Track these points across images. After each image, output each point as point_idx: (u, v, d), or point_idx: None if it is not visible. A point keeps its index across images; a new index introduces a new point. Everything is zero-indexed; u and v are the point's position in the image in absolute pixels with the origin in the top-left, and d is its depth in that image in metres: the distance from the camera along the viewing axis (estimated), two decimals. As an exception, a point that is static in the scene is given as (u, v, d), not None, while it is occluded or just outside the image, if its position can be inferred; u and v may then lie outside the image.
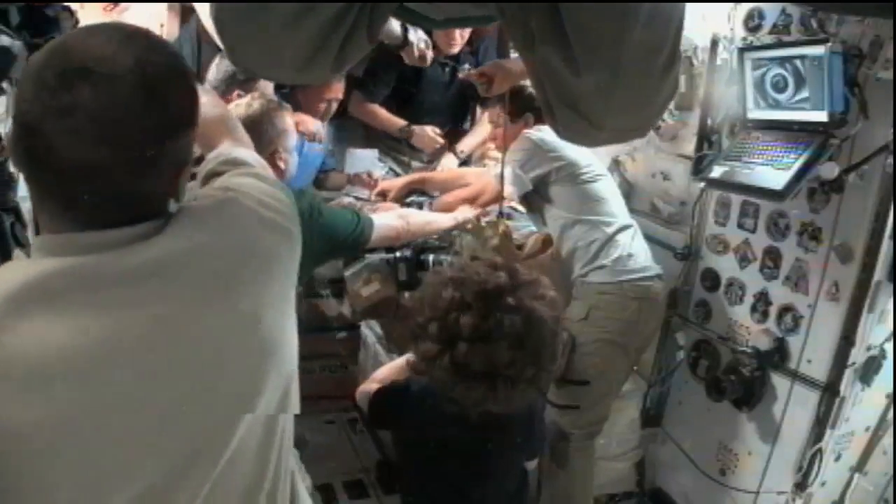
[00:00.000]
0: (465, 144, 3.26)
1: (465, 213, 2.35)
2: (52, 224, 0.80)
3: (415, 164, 3.26)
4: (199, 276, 0.83)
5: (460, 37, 2.99)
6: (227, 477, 0.85)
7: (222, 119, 1.30)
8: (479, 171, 3.02)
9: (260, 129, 1.87)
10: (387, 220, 2.05)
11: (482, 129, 3.30)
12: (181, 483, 0.82)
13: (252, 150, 1.22)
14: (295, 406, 0.97)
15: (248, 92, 2.36)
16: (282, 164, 1.93)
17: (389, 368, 1.83)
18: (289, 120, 1.98)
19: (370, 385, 1.75)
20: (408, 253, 2.47)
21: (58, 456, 0.74)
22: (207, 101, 1.16)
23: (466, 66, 3.18)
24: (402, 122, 3.14)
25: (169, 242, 0.82)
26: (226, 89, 2.36)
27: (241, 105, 1.93)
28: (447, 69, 3.14)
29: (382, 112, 3.16)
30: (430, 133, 3.11)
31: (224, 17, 1.19)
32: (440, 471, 1.61)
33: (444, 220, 2.32)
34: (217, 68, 2.36)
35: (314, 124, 2.68)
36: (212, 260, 0.85)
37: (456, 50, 3.06)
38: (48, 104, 0.74)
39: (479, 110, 3.37)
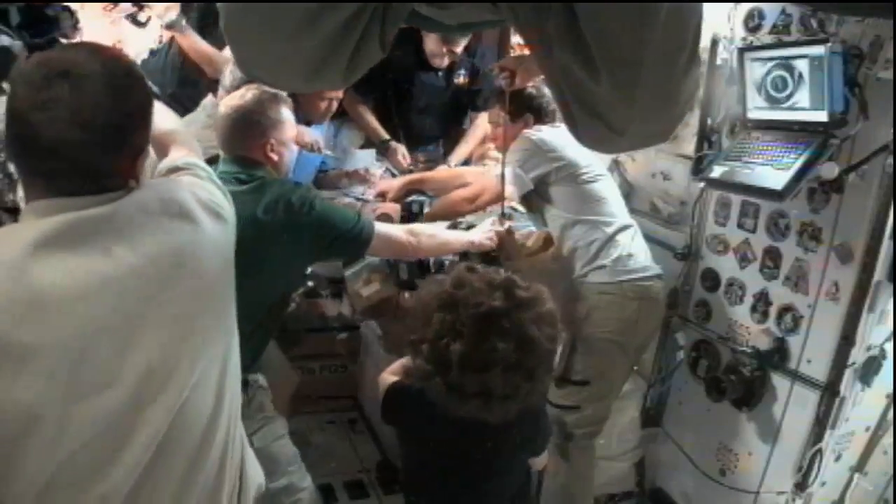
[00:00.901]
0: (456, 156, 3.27)
1: (483, 233, 2.24)
2: (39, 195, 1.00)
3: (415, 166, 3.27)
4: (151, 226, 1.05)
5: (449, 53, 3.02)
6: (186, 408, 1.05)
7: (174, 131, 1.42)
8: (477, 170, 3.02)
9: (252, 120, 1.86)
10: (395, 231, 2.00)
11: (473, 136, 3.32)
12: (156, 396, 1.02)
13: (198, 157, 1.37)
14: (236, 371, 1.19)
15: None
16: (274, 157, 1.90)
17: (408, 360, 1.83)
18: (285, 111, 1.93)
19: (388, 377, 1.73)
20: (408, 253, 2.47)
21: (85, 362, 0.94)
22: (163, 115, 1.36)
23: (462, 71, 3.19)
24: (383, 135, 3.16)
25: (132, 205, 1.04)
26: None
27: (235, 96, 1.89)
28: (441, 73, 3.15)
29: (371, 119, 3.18)
30: (400, 157, 3.10)
31: (232, 25, 1.19)
32: (443, 469, 1.61)
33: (459, 243, 2.22)
34: (231, 74, 2.35)
35: (309, 135, 2.68)
36: (156, 217, 1.07)
37: (445, 63, 3.08)
38: (34, 98, 0.95)
39: (471, 115, 3.38)
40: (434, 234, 2.15)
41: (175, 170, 1.25)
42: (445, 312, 1.39)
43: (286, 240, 1.77)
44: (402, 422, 1.71)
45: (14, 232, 1.00)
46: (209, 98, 2.47)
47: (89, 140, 0.97)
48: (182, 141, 1.40)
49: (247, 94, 1.88)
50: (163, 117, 1.33)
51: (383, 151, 3.16)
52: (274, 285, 1.87)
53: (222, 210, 1.19)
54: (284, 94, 1.96)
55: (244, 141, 1.87)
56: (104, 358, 0.96)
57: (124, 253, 0.99)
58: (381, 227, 1.95)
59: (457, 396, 1.38)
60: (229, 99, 1.90)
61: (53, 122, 0.95)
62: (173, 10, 2.64)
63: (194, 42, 2.71)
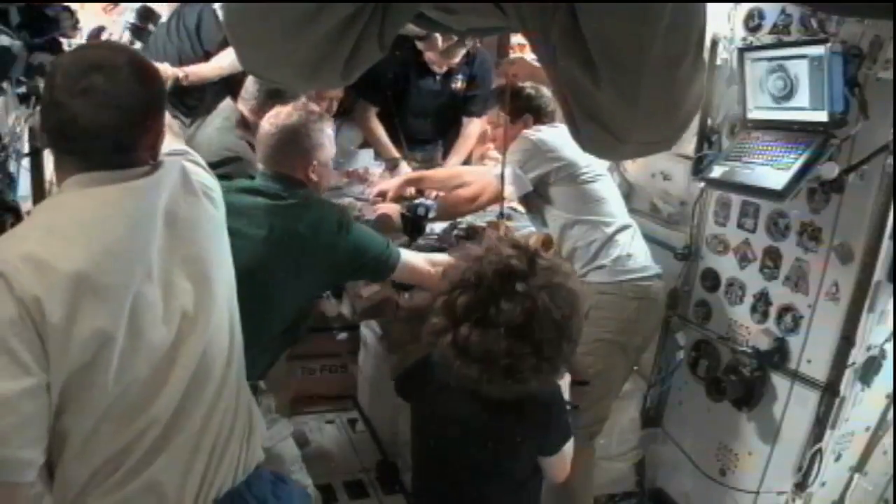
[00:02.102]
0: (449, 164, 3.29)
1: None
2: (77, 170, 1.13)
3: (412, 165, 3.27)
4: (176, 195, 1.23)
5: (447, 61, 3.05)
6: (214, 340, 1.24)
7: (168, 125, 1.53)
8: (476, 169, 3.03)
9: (298, 141, 1.89)
10: (418, 260, 2.03)
11: (464, 147, 3.34)
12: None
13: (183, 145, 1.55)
14: (237, 319, 1.34)
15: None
16: (315, 177, 1.93)
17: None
18: (329, 133, 1.97)
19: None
20: (407, 253, 2.48)
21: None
22: None
23: (460, 76, 3.20)
24: (394, 154, 3.18)
25: (164, 177, 1.21)
26: (263, 102, 2.33)
27: (282, 114, 1.91)
28: (438, 78, 3.16)
29: (382, 134, 3.20)
30: (397, 180, 3.01)
31: (233, 21, 1.22)
32: (450, 448, 1.61)
33: None
34: (255, 83, 2.35)
35: None
36: (178, 189, 1.24)
37: (443, 69, 3.10)
38: (74, 87, 1.09)
39: (464, 121, 3.38)
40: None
41: (172, 154, 1.35)
42: (465, 270, 1.41)
43: (322, 256, 1.83)
44: (412, 393, 1.72)
45: (79, 197, 1.14)
46: (227, 101, 2.47)
47: (124, 121, 1.13)
48: (172, 130, 1.53)
49: (294, 113, 1.91)
50: None
51: (391, 168, 3.18)
52: (304, 296, 1.93)
53: (213, 193, 1.35)
54: (328, 114, 1.99)
55: (288, 160, 1.90)
56: (153, 301, 1.13)
57: (160, 215, 1.17)
58: (406, 256, 1.99)
59: (461, 358, 1.38)
60: (276, 116, 1.92)
61: (93, 107, 1.09)
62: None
63: (199, 71, 2.72)
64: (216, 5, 2.74)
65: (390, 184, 2.80)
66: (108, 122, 1.11)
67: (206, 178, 1.37)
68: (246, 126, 2.39)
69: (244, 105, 2.40)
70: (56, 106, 1.11)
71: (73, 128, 1.10)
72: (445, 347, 1.40)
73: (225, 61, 2.67)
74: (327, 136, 1.96)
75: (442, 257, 2.04)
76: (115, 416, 1.10)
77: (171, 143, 1.42)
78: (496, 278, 1.37)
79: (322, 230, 1.82)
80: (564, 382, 1.72)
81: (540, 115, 2.42)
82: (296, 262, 1.79)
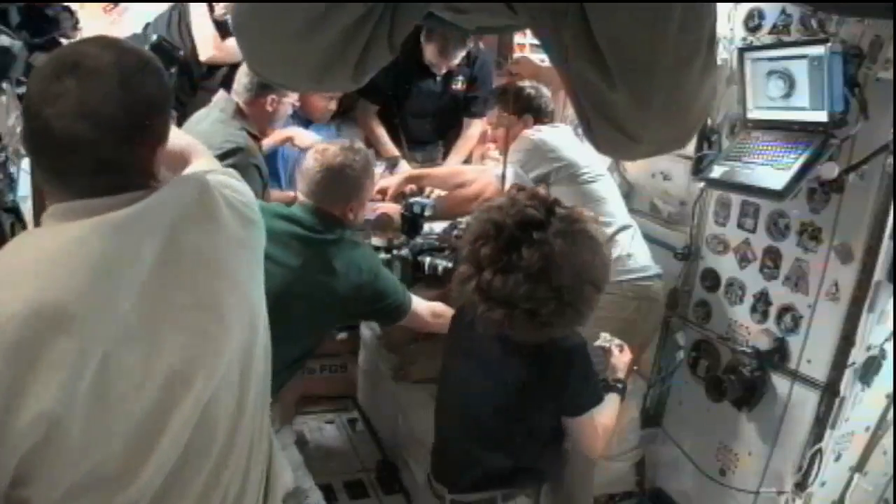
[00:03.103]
0: (450, 164, 3.30)
1: None
2: (61, 197, 0.97)
3: (412, 165, 3.27)
4: (178, 227, 1.02)
5: (447, 62, 3.07)
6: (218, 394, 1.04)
7: (191, 143, 1.39)
8: (477, 168, 3.03)
9: (340, 180, 1.95)
10: (423, 310, 2.11)
11: (464, 147, 3.35)
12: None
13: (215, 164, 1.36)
14: (261, 367, 1.15)
15: (282, 97, 2.40)
16: (351, 216, 2.01)
17: None
18: (370, 171, 2.04)
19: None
20: (405, 252, 2.49)
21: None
22: (177, 133, 1.33)
23: (460, 77, 3.20)
24: (394, 152, 3.21)
25: (156, 205, 0.99)
26: (257, 94, 2.40)
27: (328, 152, 1.96)
28: (439, 79, 3.16)
29: (382, 133, 3.22)
30: (397, 178, 3.05)
31: (241, 24, 1.21)
32: (474, 388, 1.64)
33: None
34: (247, 76, 2.37)
35: (308, 138, 2.69)
36: (180, 217, 1.03)
37: (443, 70, 3.11)
38: (45, 92, 0.92)
39: (464, 122, 3.39)
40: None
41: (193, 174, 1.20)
42: (487, 220, 1.47)
43: (347, 295, 1.91)
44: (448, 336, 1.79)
45: (43, 236, 0.97)
46: (221, 93, 2.49)
47: (104, 135, 0.93)
48: (203, 152, 1.37)
49: (340, 153, 1.96)
50: (177, 134, 1.30)
51: (391, 168, 3.20)
52: (322, 328, 2.05)
53: (250, 210, 1.15)
54: (372, 151, 2.12)
55: (328, 198, 1.97)
56: (129, 365, 0.93)
57: (148, 255, 0.96)
58: (415, 304, 2.08)
59: (486, 303, 1.45)
60: (322, 153, 1.98)
61: (66, 116, 0.91)
62: None
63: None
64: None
65: (391, 181, 2.81)
66: (84, 134, 0.92)
67: (245, 193, 1.17)
68: (243, 116, 2.42)
69: (239, 98, 2.42)
70: (29, 114, 0.94)
71: (45, 140, 0.93)
72: (471, 294, 1.47)
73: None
74: (369, 176, 2.04)
75: (443, 308, 2.13)
76: (88, 496, 0.93)
77: (196, 157, 1.30)
78: (515, 227, 1.43)
79: (352, 270, 1.91)
80: (622, 359, 1.75)
81: (540, 115, 2.42)
82: (322, 297, 1.87)
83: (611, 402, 1.69)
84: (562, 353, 1.55)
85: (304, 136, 2.75)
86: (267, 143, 2.66)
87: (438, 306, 2.15)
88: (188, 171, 1.24)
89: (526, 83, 2.50)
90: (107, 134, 0.94)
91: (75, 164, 0.94)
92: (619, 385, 1.75)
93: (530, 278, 1.40)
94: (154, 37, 2.12)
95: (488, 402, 1.61)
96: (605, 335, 1.90)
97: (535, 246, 1.41)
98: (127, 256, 0.95)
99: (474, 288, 1.46)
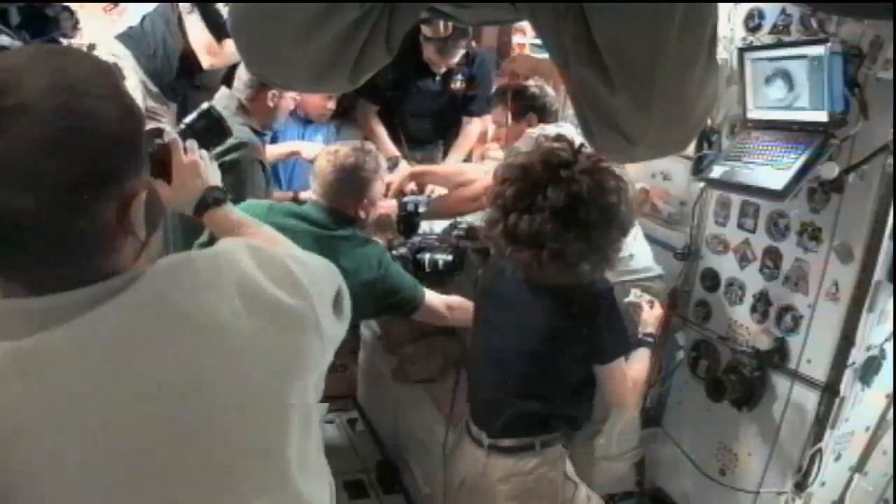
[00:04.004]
0: (450, 163, 3.31)
1: None
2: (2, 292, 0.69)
3: (412, 164, 3.27)
4: (168, 339, 0.70)
5: (447, 61, 3.06)
6: None
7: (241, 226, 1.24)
8: (480, 167, 3.03)
9: (352, 180, 2.02)
10: (438, 303, 2.15)
11: (464, 145, 3.35)
12: None
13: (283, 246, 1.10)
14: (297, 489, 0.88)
15: (283, 91, 2.42)
16: (363, 214, 2.06)
17: None
18: (381, 171, 2.10)
19: None
20: (404, 251, 2.49)
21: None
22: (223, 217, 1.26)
23: (459, 76, 3.20)
24: (394, 152, 3.20)
25: (130, 305, 0.68)
26: (258, 90, 2.42)
27: (340, 153, 2.03)
28: (438, 79, 3.16)
29: (382, 132, 3.22)
30: (400, 174, 3.05)
31: (239, 25, 1.20)
32: (506, 332, 1.64)
33: None
34: (248, 73, 2.39)
35: (312, 150, 2.70)
36: (167, 323, 0.71)
37: (443, 69, 3.11)
38: None
39: (463, 121, 3.39)
40: (468, 308, 2.24)
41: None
42: (514, 163, 1.49)
43: (359, 291, 1.96)
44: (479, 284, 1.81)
45: None
46: (223, 90, 2.50)
47: (34, 204, 0.62)
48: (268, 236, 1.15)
49: (352, 154, 2.03)
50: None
51: (391, 167, 3.20)
52: None
53: (311, 297, 0.88)
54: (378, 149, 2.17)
55: (341, 197, 2.04)
56: None
57: (115, 388, 0.67)
58: (429, 298, 2.12)
59: (512, 245, 1.45)
60: (335, 154, 2.04)
61: None
62: None
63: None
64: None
65: (393, 177, 2.81)
66: (18, 206, 0.62)
67: (305, 275, 0.88)
68: (246, 112, 2.44)
69: (240, 94, 2.44)
70: None
71: None
72: (497, 237, 1.47)
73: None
74: (380, 175, 2.10)
75: (459, 301, 2.16)
76: None
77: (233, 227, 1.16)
78: (542, 167, 1.43)
79: (363, 267, 1.96)
80: (653, 314, 1.74)
81: (543, 115, 2.42)
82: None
83: (641, 356, 1.70)
84: (589, 297, 1.55)
85: (310, 148, 2.79)
86: (273, 156, 2.69)
87: (454, 299, 2.18)
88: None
89: (530, 82, 2.50)
90: (44, 205, 0.63)
91: (23, 244, 0.65)
92: (650, 339, 1.75)
93: (557, 217, 1.39)
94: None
95: (519, 347, 1.60)
96: (635, 291, 1.91)
97: (563, 184, 1.40)
98: (75, 393, 0.66)
99: (501, 231, 1.44)
